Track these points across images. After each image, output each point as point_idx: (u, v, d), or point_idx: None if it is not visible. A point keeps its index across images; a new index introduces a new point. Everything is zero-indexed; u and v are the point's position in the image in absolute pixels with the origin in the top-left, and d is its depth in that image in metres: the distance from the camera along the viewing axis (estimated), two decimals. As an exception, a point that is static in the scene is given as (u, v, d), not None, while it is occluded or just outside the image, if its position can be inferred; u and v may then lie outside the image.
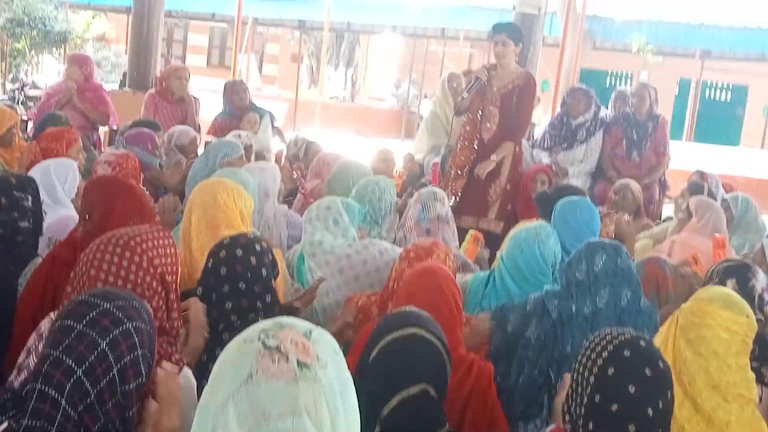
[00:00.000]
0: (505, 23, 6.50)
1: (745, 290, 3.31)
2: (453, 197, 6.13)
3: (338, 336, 3.13)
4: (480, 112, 6.26)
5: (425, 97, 20.34)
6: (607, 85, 23.05)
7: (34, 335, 2.41)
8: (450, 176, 6.32)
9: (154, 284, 2.55)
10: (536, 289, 3.56)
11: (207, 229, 3.58)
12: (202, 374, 2.53)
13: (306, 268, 3.96)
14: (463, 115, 6.39)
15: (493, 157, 6.13)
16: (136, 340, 2.00)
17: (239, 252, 2.83)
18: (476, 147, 6.24)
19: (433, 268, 3.06)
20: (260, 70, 27.79)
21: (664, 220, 6.68)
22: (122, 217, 3.15)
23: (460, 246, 4.79)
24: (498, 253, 4.00)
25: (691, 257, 4.46)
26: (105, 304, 2.01)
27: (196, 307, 2.75)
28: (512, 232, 4.01)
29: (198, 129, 7.41)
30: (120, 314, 2.00)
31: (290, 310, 3.25)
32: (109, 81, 20.58)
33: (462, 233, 5.04)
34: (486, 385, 2.86)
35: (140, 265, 2.51)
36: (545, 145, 7.56)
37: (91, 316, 1.98)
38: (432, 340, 2.32)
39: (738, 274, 3.41)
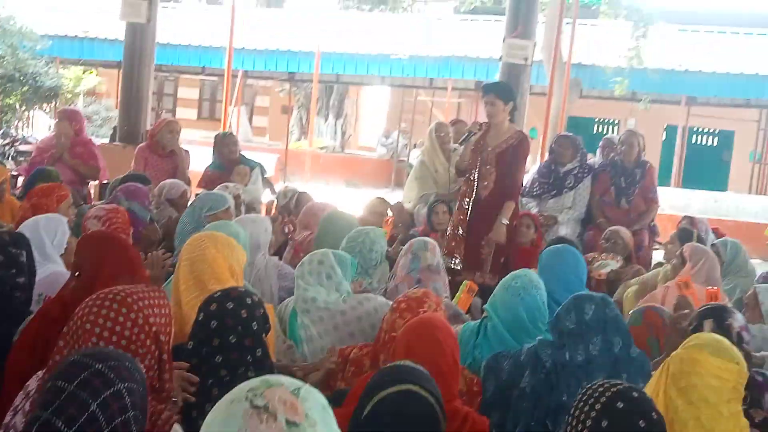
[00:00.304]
0: (494, 83, 6.56)
1: (722, 329, 3.31)
2: (453, 258, 6.16)
3: (323, 385, 3.12)
4: (476, 171, 6.29)
5: (414, 146, 20.44)
6: (594, 132, 23.21)
7: (21, 394, 2.38)
8: (448, 236, 6.34)
9: (148, 342, 2.53)
10: (527, 339, 3.55)
11: (195, 284, 3.55)
12: (192, 430, 2.49)
13: (299, 324, 3.93)
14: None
15: (504, 220, 6.15)
16: (128, 401, 1.98)
17: (230, 305, 2.81)
18: (470, 206, 6.27)
19: (432, 320, 3.04)
20: (250, 121, 27.88)
21: (654, 266, 6.68)
22: (112, 274, 3.14)
23: (452, 296, 4.79)
24: (486, 305, 3.98)
25: (681, 281, 4.49)
26: (97, 365, 1.99)
27: (177, 375, 2.71)
28: (501, 282, 3.99)
29: (188, 182, 7.43)
30: (112, 375, 1.98)
31: (285, 372, 3.19)
32: (99, 135, 20.67)
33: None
34: (482, 440, 2.83)
35: (136, 322, 2.50)
36: (534, 193, 7.59)
37: (82, 376, 1.96)
38: (426, 397, 2.30)
39: (715, 314, 3.41)
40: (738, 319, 3.45)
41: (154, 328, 2.56)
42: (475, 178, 6.29)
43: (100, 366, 1.98)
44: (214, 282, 3.51)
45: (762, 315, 4.48)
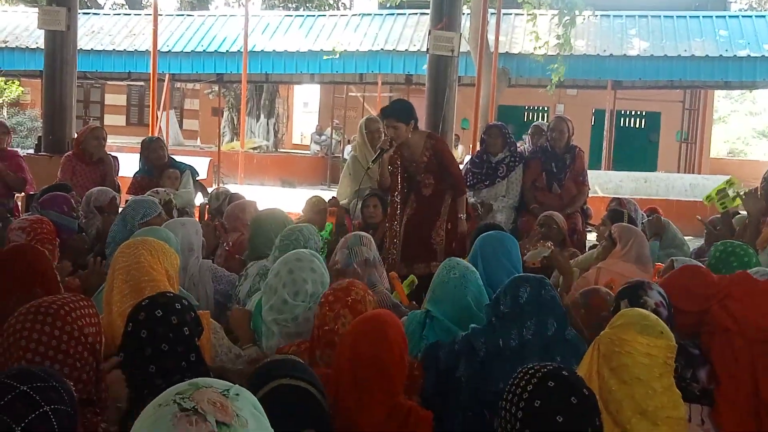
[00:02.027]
0: (390, 108, 6.49)
1: (638, 306, 3.35)
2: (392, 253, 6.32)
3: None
4: (398, 194, 6.41)
5: (348, 142, 20.44)
6: (525, 120, 23.49)
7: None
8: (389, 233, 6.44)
9: (86, 354, 2.49)
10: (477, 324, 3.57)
11: (131, 293, 3.44)
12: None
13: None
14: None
15: (462, 215, 6.39)
16: (55, 424, 1.90)
17: (159, 313, 2.75)
18: (401, 224, 6.39)
19: (381, 315, 3.01)
20: (181, 125, 27.60)
21: (589, 248, 6.78)
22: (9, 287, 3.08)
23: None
24: (427, 304, 3.98)
25: (608, 283, 4.54)
26: (21, 386, 1.91)
27: (113, 379, 2.66)
28: (436, 274, 4.00)
29: (118, 188, 7.30)
30: (38, 397, 1.90)
31: (223, 373, 3.16)
32: (25, 146, 20.27)
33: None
34: (425, 435, 2.84)
35: (72, 335, 2.45)
36: (468, 183, 7.64)
37: (6, 399, 1.88)
38: (299, 385, 2.34)
39: (629, 294, 3.45)
40: (653, 296, 3.48)
41: (89, 339, 2.51)
42: (399, 200, 6.38)
43: (25, 387, 1.91)
44: (151, 290, 3.42)
45: None
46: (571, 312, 3.59)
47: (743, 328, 3.33)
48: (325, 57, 18.43)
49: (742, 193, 6.07)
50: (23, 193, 7.83)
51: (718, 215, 6.40)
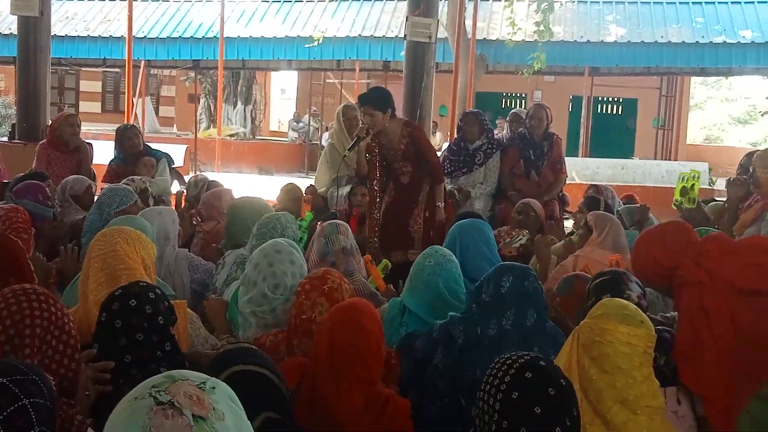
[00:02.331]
0: (367, 95, 6.43)
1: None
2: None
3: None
4: (377, 182, 6.41)
5: (326, 129, 20.38)
6: (503, 107, 23.55)
7: None
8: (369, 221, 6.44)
9: (72, 342, 2.50)
10: (451, 312, 3.57)
11: (107, 281, 3.41)
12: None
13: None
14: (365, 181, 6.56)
15: (440, 204, 6.44)
16: (33, 417, 1.90)
17: (133, 302, 2.73)
18: (380, 211, 6.40)
19: (357, 304, 3.03)
20: (157, 112, 27.39)
21: (567, 236, 6.80)
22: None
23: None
24: (404, 291, 3.98)
25: (583, 268, 4.56)
26: (0, 379, 1.91)
27: (85, 371, 2.65)
28: (415, 262, 4.01)
29: (93, 177, 7.24)
30: (17, 389, 1.90)
31: (197, 358, 3.15)
32: (-1, 134, 20.04)
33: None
34: (403, 424, 2.85)
35: (62, 320, 2.49)
36: (446, 171, 7.64)
37: None
38: (252, 370, 2.36)
39: (611, 288, 3.45)
40: (634, 289, 3.50)
41: (67, 327, 2.52)
42: (378, 188, 6.37)
43: (5, 380, 1.91)
44: (127, 278, 3.39)
45: None
46: (549, 301, 3.60)
47: (718, 283, 3.33)
48: (305, 45, 18.34)
49: (695, 178, 6.18)
50: (-2, 182, 7.74)
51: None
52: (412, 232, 6.32)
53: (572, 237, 5.90)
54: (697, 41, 17.33)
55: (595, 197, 6.51)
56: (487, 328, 3.25)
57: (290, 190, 6.84)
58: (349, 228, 4.71)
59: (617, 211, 6.50)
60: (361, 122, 6.68)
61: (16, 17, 10.70)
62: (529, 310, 3.27)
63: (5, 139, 11.49)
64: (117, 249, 3.55)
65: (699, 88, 37.08)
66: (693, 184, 6.39)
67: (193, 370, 1.69)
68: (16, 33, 10.96)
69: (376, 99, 6.29)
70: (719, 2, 18.53)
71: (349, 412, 2.74)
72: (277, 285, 3.67)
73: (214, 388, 1.50)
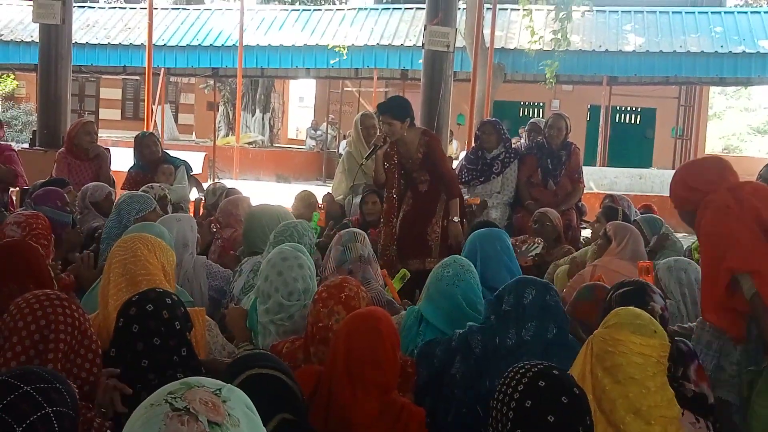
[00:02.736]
0: (386, 104, 6.37)
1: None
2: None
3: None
4: (394, 190, 6.37)
5: (344, 137, 20.41)
6: (521, 116, 23.51)
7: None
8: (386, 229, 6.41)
9: (93, 347, 2.52)
10: (468, 323, 3.57)
11: (127, 287, 3.43)
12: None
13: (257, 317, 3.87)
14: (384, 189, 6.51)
15: (455, 219, 6.27)
16: (56, 426, 1.91)
17: (150, 307, 2.76)
18: (398, 219, 6.35)
19: (374, 311, 3.05)
20: (176, 119, 27.53)
21: (583, 244, 6.78)
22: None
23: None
24: (422, 300, 3.98)
25: (597, 278, 4.56)
26: (25, 386, 1.92)
27: (105, 387, 2.66)
28: (433, 271, 4.00)
29: (112, 184, 7.28)
30: (40, 398, 1.91)
31: (215, 365, 3.16)
32: (20, 140, 20.22)
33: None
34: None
35: (85, 325, 2.48)
36: (463, 180, 7.63)
37: (9, 399, 1.88)
38: (268, 373, 2.38)
39: (636, 300, 3.44)
40: (658, 300, 3.49)
41: (89, 332, 2.54)
42: (396, 196, 6.34)
43: (29, 388, 1.92)
44: (147, 283, 3.42)
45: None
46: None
47: (744, 212, 3.46)
48: (330, 57, 18.35)
49: None
50: (17, 188, 7.80)
51: None
52: (430, 240, 6.29)
53: (587, 247, 5.89)
54: (716, 51, 17.27)
55: (613, 207, 6.49)
56: (505, 338, 3.25)
57: (304, 197, 6.86)
58: (366, 237, 4.72)
59: (635, 220, 6.47)
60: (379, 131, 6.67)
61: (38, 25, 10.78)
62: (550, 324, 3.27)
63: (26, 145, 11.57)
64: (138, 255, 3.58)
65: (718, 97, 36.91)
66: None
67: (210, 377, 1.70)
68: (37, 41, 11.06)
69: (394, 108, 6.27)
70: (738, 12, 18.47)
71: (364, 419, 2.75)
72: (291, 292, 3.70)
73: (229, 394, 1.51)
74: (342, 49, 18.06)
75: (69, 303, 2.56)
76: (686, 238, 7.72)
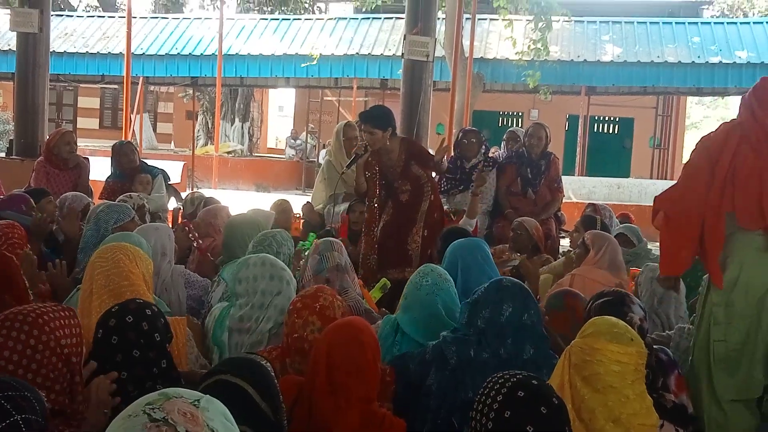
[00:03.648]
0: (368, 113, 6.39)
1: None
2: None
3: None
4: (376, 199, 6.36)
5: (324, 147, 20.41)
6: (500, 125, 23.59)
7: None
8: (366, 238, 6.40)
9: (60, 365, 2.47)
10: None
11: (110, 298, 3.41)
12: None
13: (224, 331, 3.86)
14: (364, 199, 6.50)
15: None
16: None
17: (129, 318, 2.74)
18: (378, 230, 6.33)
19: (355, 321, 3.04)
20: (155, 128, 27.43)
21: (562, 254, 6.81)
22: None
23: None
24: (399, 311, 3.97)
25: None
26: None
27: (98, 384, 2.64)
28: (410, 280, 3.99)
29: (90, 193, 7.24)
30: (8, 405, 1.91)
31: (193, 377, 3.14)
32: (-4, 149, 20.04)
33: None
34: (398, 443, 2.84)
35: (47, 345, 2.44)
36: (442, 189, 7.64)
37: None
38: (236, 382, 2.35)
39: (614, 310, 3.45)
40: (637, 311, 3.50)
41: (66, 350, 2.49)
42: (377, 205, 6.35)
43: None
44: (131, 294, 3.41)
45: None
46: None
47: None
48: (302, 64, 18.41)
49: None
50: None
51: None
52: (410, 250, 6.28)
53: (570, 253, 5.92)
54: (693, 61, 17.42)
55: (592, 216, 6.52)
56: (481, 351, 3.23)
57: (278, 204, 6.87)
58: (343, 245, 4.72)
59: (620, 231, 6.51)
60: (360, 140, 6.66)
61: (15, 33, 10.72)
62: (527, 344, 3.24)
63: (3, 154, 11.50)
64: (120, 266, 3.57)
65: (695, 107, 37.19)
66: None
67: (188, 387, 1.68)
68: (15, 49, 11.00)
69: (376, 117, 6.26)
70: (715, 23, 18.64)
71: (345, 429, 2.74)
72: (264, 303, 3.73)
73: (208, 405, 1.51)
74: (315, 57, 18.05)
75: (49, 320, 2.50)
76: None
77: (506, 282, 3.42)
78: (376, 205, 6.36)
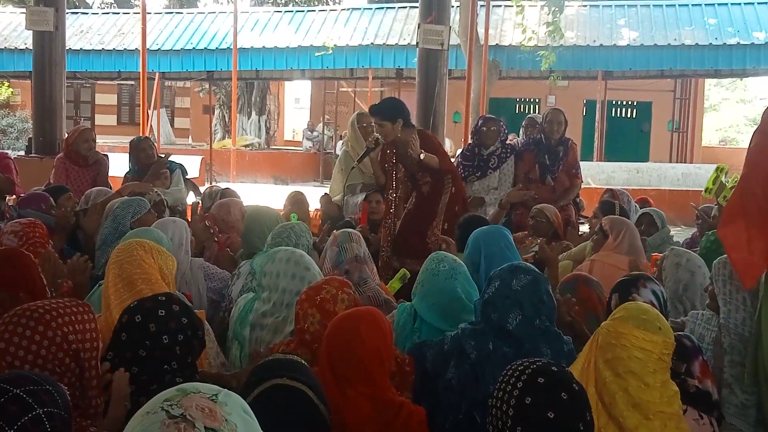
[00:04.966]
0: (377, 106, 6.37)
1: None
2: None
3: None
4: (393, 192, 6.32)
5: (340, 138, 20.41)
6: (516, 112, 23.51)
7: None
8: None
9: (67, 360, 2.48)
10: (466, 317, 3.54)
11: (124, 287, 3.45)
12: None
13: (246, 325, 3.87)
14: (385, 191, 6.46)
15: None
16: (48, 426, 1.91)
17: (138, 318, 2.74)
18: (399, 219, 6.32)
19: (355, 312, 3.04)
20: (172, 123, 27.56)
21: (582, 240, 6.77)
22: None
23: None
24: (415, 299, 3.96)
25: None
26: (14, 389, 1.92)
27: (120, 378, 2.65)
28: (424, 268, 3.98)
29: (110, 188, 7.27)
30: (30, 399, 1.92)
31: (218, 381, 3.14)
32: (16, 147, 20.21)
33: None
34: (418, 431, 2.84)
35: (53, 340, 2.45)
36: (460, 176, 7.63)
37: None
38: (296, 386, 2.34)
39: (620, 289, 3.42)
40: (645, 294, 3.46)
41: (73, 346, 2.50)
42: (395, 197, 6.32)
43: (18, 391, 1.92)
44: (143, 282, 3.44)
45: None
46: (565, 306, 3.58)
47: None
48: (317, 54, 18.40)
49: (735, 177, 6.07)
50: (14, 196, 7.79)
51: (710, 204, 6.40)
52: (429, 243, 6.25)
53: (585, 243, 5.89)
54: (710, 43, 17.27)
55: (610, 201, 6.47)
56: (500, 345, 3.21)
57: (292, 195, 6.88)
58: (361, 236, 4.71)
59: (645, 213, 6.47)
60: (374, 130, 6.64)
61: (30, 32, 10.77)
62: (543, 347, 3.20)
63: (22, 153, 11.57)
64: (133, 255, 3.59)
65: (714, 89, 36.93)
66: (730, 182, 6.29)
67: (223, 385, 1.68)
68: (31, 48, 11.05)
69: (385, 110, 6.24)
70: (732, 3, 18.46)
71: (356, 417, 2.76)
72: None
73: (226, 399, 1.50)
74: (330, 48, 18.04)
75: (57, 315, 2.51)
76: (685, 231, 7.73)
77: (515, 286, 3.27)
78: (392, 197, 6.34)
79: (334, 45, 18.28)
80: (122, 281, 3.48)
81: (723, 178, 6.13)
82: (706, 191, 6.49)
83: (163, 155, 7.54)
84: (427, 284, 3.86)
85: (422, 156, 6.11)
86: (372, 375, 2.83)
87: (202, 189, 8.04)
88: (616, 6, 19.09)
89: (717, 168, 6.28)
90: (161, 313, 2.77)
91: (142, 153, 7.47)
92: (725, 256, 3.62)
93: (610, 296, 3.47)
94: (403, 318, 3.85)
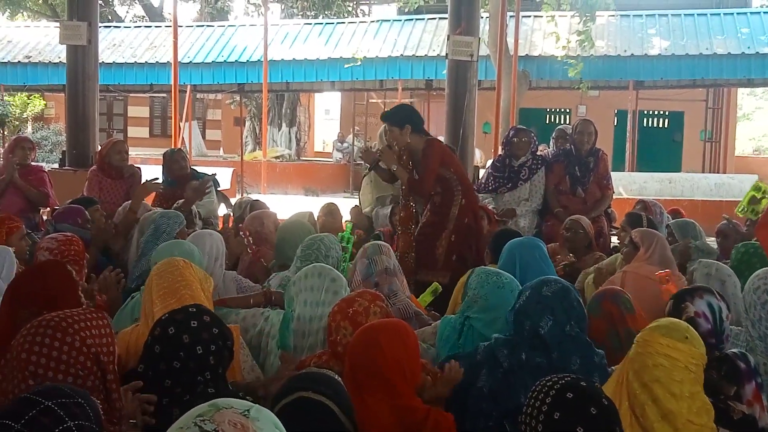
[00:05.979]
0: (386, 112, 6.48)
1: (677, 311, 3.37)
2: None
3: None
4: (412, 198, 6.35)
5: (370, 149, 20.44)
6: (547, 123, 23.41)
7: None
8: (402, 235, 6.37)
9: (89, 364, 2.51)
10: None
11: (167, 295, 3.49)
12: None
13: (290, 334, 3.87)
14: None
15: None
16: None
17: (171, 330, 2.76)
18: (415, 228, 6.32)
19: (377, 324, 3.08)
20: (204, 136, 27.75)
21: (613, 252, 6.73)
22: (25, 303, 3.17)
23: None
24: (461, 302, 3.94)
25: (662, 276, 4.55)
26: (46, 402, 1.95)
27: (128, 396, 2.67)
28: (479, 281, 3.94)
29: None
30: (62, 412, 1.93)
31: (248, 390, 3.16)
32: (49, 160, 20.46)
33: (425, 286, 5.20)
34: (446, 437, 2.85)
35: (72, 345, 2.49)
36: (490, 188, 7.62)
37: (30, 414, 1.91)
38: (320, 400, 2.37)
39: (678, 296, 3.41)
40: (699, 305, 3.38)
41: (93, 349, 2.53)
42: (413, 203, 6.34)
43: (50, 403, 1.94)
44: (185, 288, 3.50)
45: None
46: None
47: None
48: (346, 65, 18.48)
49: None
50: (48, 208, 7.88)
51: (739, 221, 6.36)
52: (438, 253, 6.22)
53: (616, 255, 5.86)
54: (743, 52, 17.11)
55: (637, 214, 6.40)
56: (534, 355, 3.21)
57: (326, 206, 6.92)
58: (391, 248, 4.72)
59: (668, 225, 6.42)
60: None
61: (64, 46, 10.90)
62: (573, 356, 3.21)
63: (56, 165, 11.69)
64: (172, 263, 3.66)
65: (747, 98, 36.55)
66: (763, 198, 6.25)
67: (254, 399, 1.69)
68: (64, 61, 11.18)
69: (393, 115, 6.31)
70: (764, 12, 18.27)
71: (377, 424, 2.79)
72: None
73: (258, 414, 1.51)
74: (359, 59, 18.10)
75: (73, 322, 2.55)
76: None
77: (546, 291, 3.31)
78: (412, 203, 6.33)
79: (364, 57, 18.34)
80: (165, 289, 3.52)
81: (759, 194, 6.09)
82: (739, 210, 6.45)
83: (211, 173, 7.59)
84: (492, 297, 3.81)
85: (394, 168, 6.16)
86: (391, 383, 2.86)
87: (233, 201, 8.08)
88: (646, 15, 18.97)
89: (753, 187, 6.23)
90: (194, 324, 2.80)
91: (175, 165, 7.53)
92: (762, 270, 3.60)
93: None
94: (447, 331, 3.84)
